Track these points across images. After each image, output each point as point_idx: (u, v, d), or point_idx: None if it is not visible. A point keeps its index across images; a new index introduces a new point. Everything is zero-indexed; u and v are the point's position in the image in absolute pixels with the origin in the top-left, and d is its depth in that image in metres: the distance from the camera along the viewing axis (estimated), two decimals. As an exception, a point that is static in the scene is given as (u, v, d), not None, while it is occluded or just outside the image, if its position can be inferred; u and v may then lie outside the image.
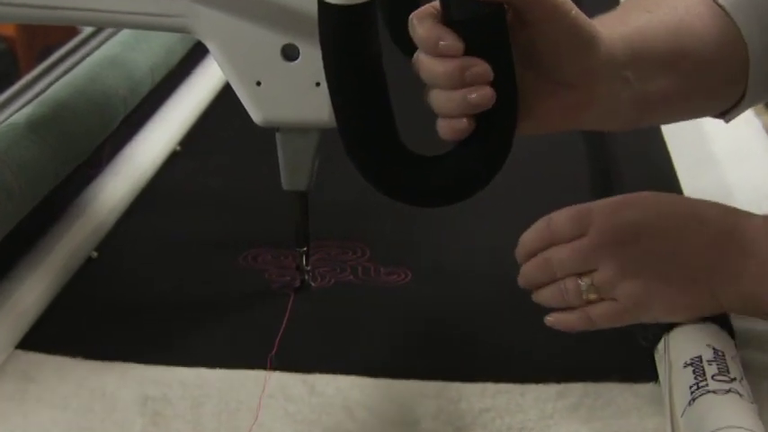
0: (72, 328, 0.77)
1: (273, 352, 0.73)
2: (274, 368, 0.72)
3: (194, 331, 0.77)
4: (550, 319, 0.68)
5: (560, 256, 0.66)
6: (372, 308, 0.79)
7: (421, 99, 0.60)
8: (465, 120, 0.57)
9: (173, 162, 1.04)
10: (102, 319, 0.79)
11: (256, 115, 0.73)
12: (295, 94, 0.72)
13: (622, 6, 0.67)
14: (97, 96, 0.93)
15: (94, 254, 0.87)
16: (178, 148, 1.06)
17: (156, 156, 1.02)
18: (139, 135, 1.03)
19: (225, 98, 1.15)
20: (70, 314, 0.79)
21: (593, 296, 0.66)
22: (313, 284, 0.82)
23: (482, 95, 0.57)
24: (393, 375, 0.72)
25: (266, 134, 0.76)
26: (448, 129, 0.58)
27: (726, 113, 0.69)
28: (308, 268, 0.81)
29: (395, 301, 0.80)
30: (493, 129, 0.58)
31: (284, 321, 0.77)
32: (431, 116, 0.59)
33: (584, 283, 0.65)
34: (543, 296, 0.68)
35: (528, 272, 0.68)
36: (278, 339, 0.75)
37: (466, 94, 0.56)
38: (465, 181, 0.60)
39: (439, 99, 0.58)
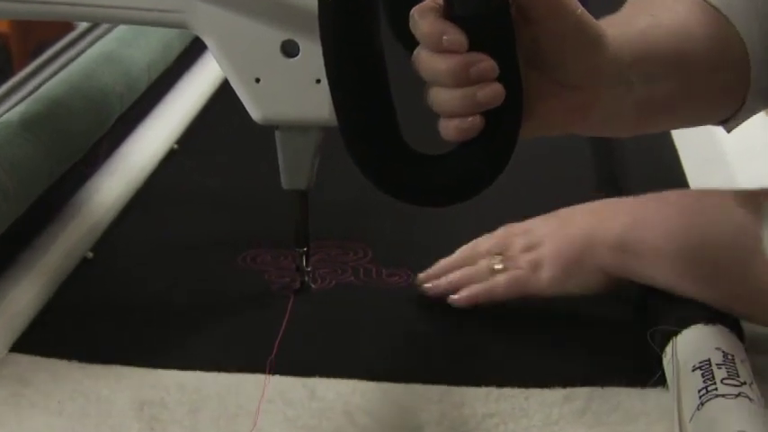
0: (67, 331, 0.77)
1: (273, 355, 0.73)
2: (274, 372, 0.72)
3: (192, 334, 0.77)
4: (455, 297, 0.77)
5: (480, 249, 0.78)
6: (374, 310, 0.79)
7: (420, 98, 0.59)
8: (474, 119, 0.57)
9: (170, 161, 1.04)
10: (98, 321, 0.79)
11: (255, 113, 0.73)
12: (295, 92, 0.72)
13: (625, 9, 0.67)
14: (93, 93, 0.93)
15: (90, 254, 0.87)
16: (175, 146, 1.06)
17: (152, 154, 1.02)
18: (136, 133, 1.03)
19: (223, 95, 1.15)
20: (65, 316, 0.79)
21: (499, 266, 0.77)
22: (313, 286, 0.82)
23: (491, 93, 0.56)
24: (395, 379, 0.71)
25: (265, 132, 0.76)
26: (453, 129, 0.58)
27: (726, 122, 0.69)
28: (309, 269, 0.81)
29: (397, 303, 0.80)
30: (498, 127, 0.58)
31: (284, 324, 0.77)
32: (430, 115, 0.59)
33: (495, 260, 0.77)
34: (450, 279, 0.78)
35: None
36: (277, 342, 0.75)
37: (475, 91, 0.56)
38: (468, 180, 0.60)
39: (441, 98, 0.57)
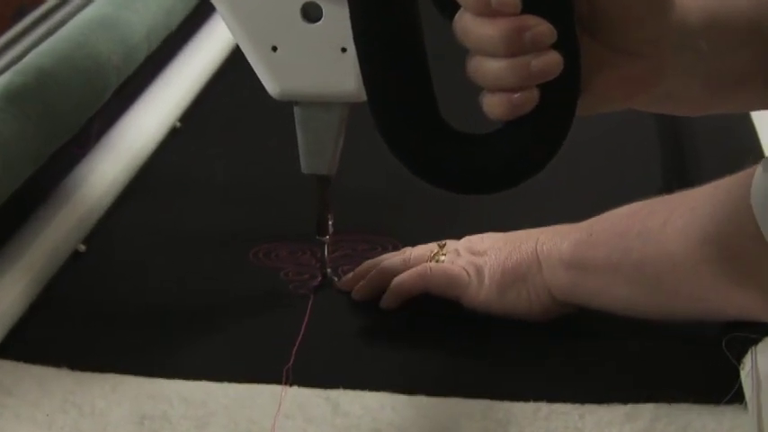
0: (56, 334, 0.78)
1: (290, 364, 0.74)
2: (291, 383, 0.72)
3: (198, 339, 0.77)
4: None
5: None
6: (405, 313, 0.79)
7: (459, 71, 0.59)
8: (526, 93, 0.57)
9: (172, 141, 1.04)
10: (91, 323, 0.79)
11: (272, 86, 0.73)
12: (317, 62, 0.72)
13: None
14: (85, 64, 0.94)
15: (82, 247, 0.88)
16: (178, 124, 1.07)
17: (152, 133, 1.02)
18: (134, 109, 1.03)
19: (234, 66, 1.16)
20: (54, 317, 0.80)
21: (442, 257, 0.80)
22: (335, 279, 0.83)
23: (547, 62, 0.56)
24: (430, 392, 0.72)
25: (283, 109, 0.76)
26: (501, 105, 0.57)
27: None
28: (330, 256, 0.82)
29: (431, 305, 0.80)
30: (552, 103, 0.58)
31: (302, 328, 0.77)
32: (471, 90, 0.59)
33: (436, 248, 0.80)
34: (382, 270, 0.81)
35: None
36: (295, 349, 0.75)
37: (528, 60, 0.56)
38: (517, 164, 0.60)
39: (488, 68, 0.57)
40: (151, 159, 1.00)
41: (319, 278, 0.83)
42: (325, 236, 0.81)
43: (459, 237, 0.82)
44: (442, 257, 0.80)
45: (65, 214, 0.88)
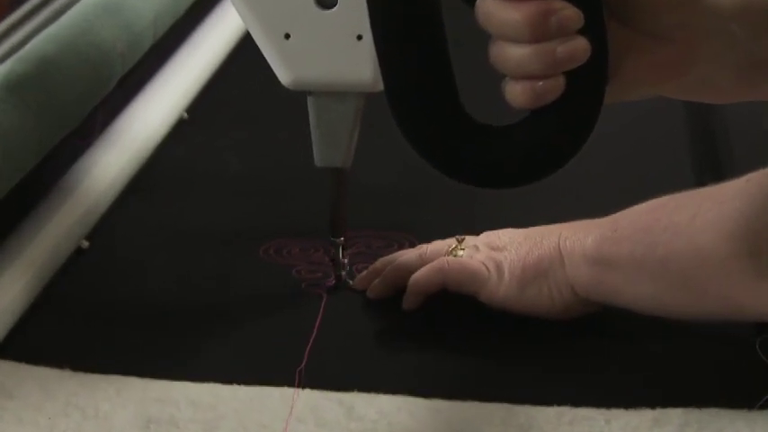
0: (58, 334, 0.78)
1: (302, 365, 0.74)
2: (304, 385, 0.72)
3: (207, 339, 0.77)
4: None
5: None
6: (422, 313, 0.79)
7: (479, 58, 0.59)
8: (551, 80, 0.57)
9: (179, 132, 1.04)
10: (95, 322, 0.79)
11: (284, 75, 0.73)
12: (331, 50, 0.72)
13: None
14: (89, 51, 0.94)
15: (85, 243, 0.88)
16: (185, 115, 1.07)
17: (159, 125, 1.02)
18: (139, 99, 1.04)
19: (244, 54, 1.16)
20: (56, 316, 0.80)
21: (460, 252, 0.80)
22: (351, 282, 0.82)
23: (574, 48, 0.56)
24: (448, 396, 0.71)
25: (295, 99, 0.76)
26: (524, 93, 0.57)
27: None
28: (345, 260, 0.82)
29: (449, 305, 0.80)
30: (578, 91, 0.58)
31: (315, 328, 0.77)
32: (492, 78, 0.59)
33: (454, 243, 0.80)
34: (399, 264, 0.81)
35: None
36: (308, 350, 0.75)
37: (554, 47, 0.56)
38: (542, 156, 0.60)
39: (511, 55, 0.57)
40: (157, 152, 1.01)
41: (333, 279, 0.82)
42: (339, 237, 0.81)
43: (477, 233, 0.82)
44: (460, 252, 0.80)
45: (67, 209, 0.88)
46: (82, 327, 0.79)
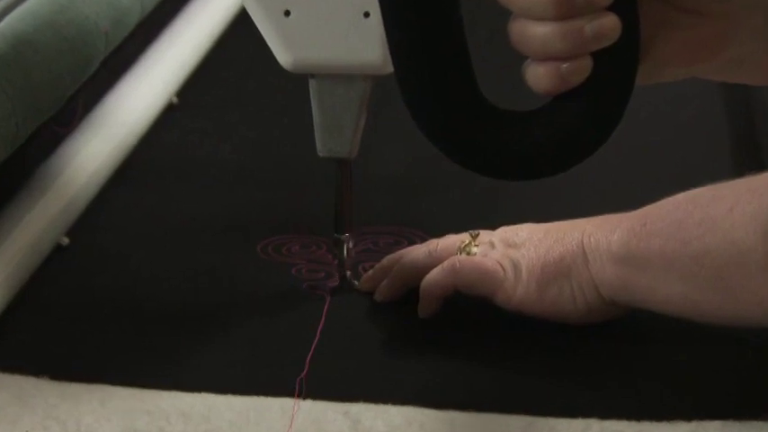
0: (36, 340, 0.78)
1: (304, 374, 0.74)
2: (305, 395, 0.72)
3: (199, 345, 0.77)
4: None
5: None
6: (434, 317, 0.80)
7: (499, 39, 0.59)
8: (577, 62, 0.57)
9: (168, 118, 1.04)
10: (77, 327, 0.80)
11: (284, 57, 0.73)
12: (335, 28, 0.72)
13: None
14: (69, 30, 0.94)
15: (65, 240, 0.88)
16: (175, 99, 1.07)
17: (146, 110, 1.02)
18: (124, 82, 1.04)
19: (239, 33, 1.16)
20: (34, 320, 0.80)
21: (474, 248, 0.80)
22: (356, 283, 0.83)
23: (603, 26, 0.56)
24: (462, 407, 0.72)
25: (296, 82, 0.76)
26: (549, 75, 0.57)
27: None
28: (348, 257, 0.82)
29: (463, 308, 0.80)
30: (607, 72, 0.58)
31: (318, 333, 0.78)
32: (513, 60, 0.59)
33: (467, 238, 0.80)
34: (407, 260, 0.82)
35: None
36: (309, 357, 0.75)
37: (581, 24, 0.56)
38: (567, 144, 0.60)
39: (534, 34, 0.57)
40: (144, 140, 1.01)
41: (336, 279, 0.83)
42: (343, 233, 0.81)
43: (493, 228, 0.82)
44: (474, 249, 0.80)
45: (45, 203, 0.88)
46: (62, 331, 0.79)
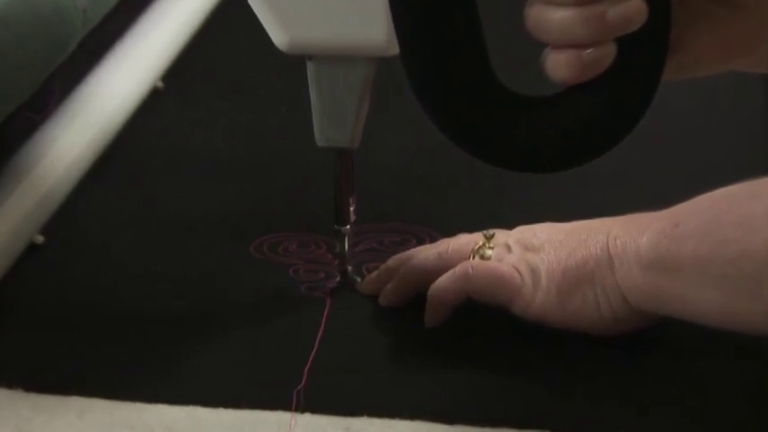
0: (8, 347, 0.78)
1: (302, 385, 0.74)
2: (303, 409, 0.72)
3: (187, 353, 0.77)
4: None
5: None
6: (445, 323, 0.80)
7: (514, 23, 0.60)
8: (600, 49, 0.57)
9: (153, 105, 1.05)
10: (52, 333, 0.80)
11: (279, 36, 0.73)
12: (336, 5, 0.72)
13: None
14: (43, 6, 0.94)
15: (39, 238, 0.88)
16: (160, 84, 1.07)
17: (128, 95, 1.03)
18: (104, 65, 1.04)
19: (230, 11, 1.16)
20: (5, 326, 0.80)
21: (488, 250, 0.80)
22: (358, 280, 0.83)
23: (628, 11, 0.57)
24: (474, 421, 0.72)
25: (292, 65, 0.76)
26: (569, 64, 0.58)
27: None
28: (351, 251, 0.82)
29: (476, 312, 0.80)
30: (632, 61, 0.58)
31: (317, 341, 0.78)
32: (530, 46, 0.59)
33: (481, 240, 0.80)
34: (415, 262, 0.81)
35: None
36: (308, 367, 0.75)
37: (604, 9, 0.56)
38: (589, 135, 0.60)
39: (553, 19, 0.58)
40: (127, 128, 1.01)
41: (337, 278, 0.83)
42: (345, 225, 0.81)
43: (508, 227, 0.82)
44: (488, 252, 0.80)
45: (18, 197, 0.88)
46: (36, 339, 0.79)
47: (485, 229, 0.81)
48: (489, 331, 0.79)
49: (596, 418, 0.72)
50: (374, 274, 0.83)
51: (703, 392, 0.74)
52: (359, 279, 0.83)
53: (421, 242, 0.86)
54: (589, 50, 0.58)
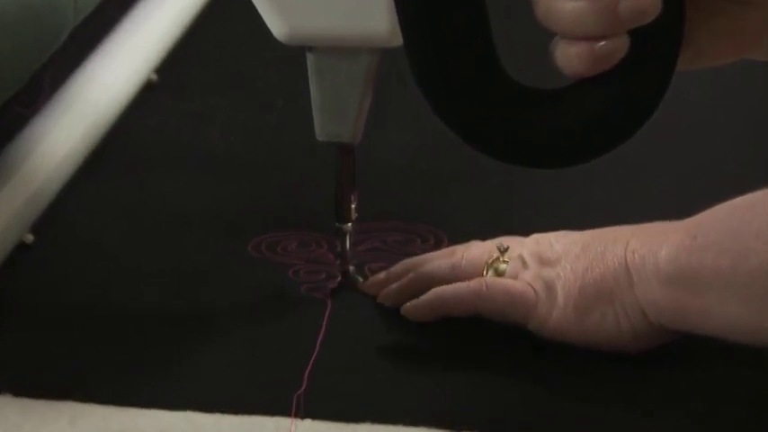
0: (-3, 350, 0.79)
1: (302, 390, 0.74)
2: (304, 414, 0.72)
3: (183, 356, 0.77)
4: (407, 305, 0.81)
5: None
6: (448, 325, 0.80)
7: (522, 15, 0.59)
8: (613, 41, 0.57)
9: (147, 99, 1.04)
10: (43, 335, 0.79)
11: (278, 27, 0.73)
12: (338, -4, 0.72)
13: None
14: (33, -3, 0.94)
15: (30, 237, 0.88)
16: (154, 77, 1.07)
17: (120, 89, 1.03)
18: (96, 57, 1.04)
19: (225, 1, 1.16)
20: (-6, 328, 0.80)
21: (502, 265, 0.79)
22: (361, 280, 0.83)
23: (642, 2, 0.57)
24: (482, 428, 0.71)
25: (291, 56, 0.76)
26: (580, 56, 0.58)
27: None
28: (353, 250, 0.82)
29: (478, 315, 0.80)
30: (645, 54, 0.58)
31: (317, 344, 0.78)
32: (540, 38, 0.59)
33: (496, 253, 0.80)
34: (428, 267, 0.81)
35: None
36: (308, 370, 0.75)
37: (617, 0, 0.56)
38: (599, 129, 0.60)
39: (563, 10, 0.58)
40: (119, 122, 1.01)
41: (338, 278, 0.83)
42: (346, 222, 0.81)
43: (517, 225, 0.81)
44: (503, 266, 0.79)
45: (7, 194, 0.88)
46: (26, 342, 0.79)
47: (491, 228, 0.82)
48: (495, 334, 0.79)
49: (600, 422, 0.72)
50: (381, 275, 0.83)
51: (707, 397, 0.74)
52: (361, 279, 0.83)
53: (425, 242, 0.86)
54: (602, 43, 0.58)
